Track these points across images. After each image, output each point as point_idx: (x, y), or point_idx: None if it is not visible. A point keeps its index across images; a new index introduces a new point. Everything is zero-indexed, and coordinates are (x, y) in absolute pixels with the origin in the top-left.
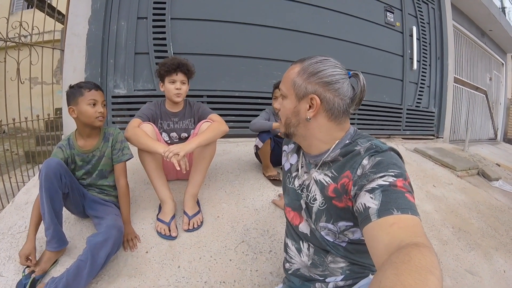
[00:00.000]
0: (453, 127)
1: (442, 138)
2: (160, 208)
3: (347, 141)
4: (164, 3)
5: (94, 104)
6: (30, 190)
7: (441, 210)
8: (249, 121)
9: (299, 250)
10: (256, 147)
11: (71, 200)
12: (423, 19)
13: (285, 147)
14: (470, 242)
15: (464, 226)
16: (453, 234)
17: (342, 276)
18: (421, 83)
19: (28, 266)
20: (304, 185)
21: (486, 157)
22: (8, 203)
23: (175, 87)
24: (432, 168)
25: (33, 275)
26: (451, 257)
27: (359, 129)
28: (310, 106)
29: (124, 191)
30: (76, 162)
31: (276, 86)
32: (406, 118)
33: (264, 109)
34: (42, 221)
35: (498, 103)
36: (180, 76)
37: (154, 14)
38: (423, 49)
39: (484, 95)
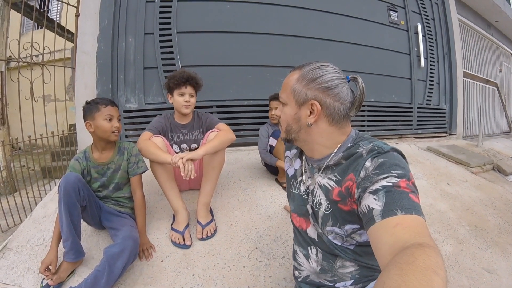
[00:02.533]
0: (465, 122)
1: (455, 134)
2: (174, 218)
3: (349, 144)
4: (170, 18)
5: (110, 119)
6: (47, 204)
7: (456, 208)
8: (259, 129)
9: (307, 257)
10: (271, 146)
11: (88, 212)
12: (427, 16)
13: (287, 153)
14: (487, 240)
15: (481, 224)
16: (469, 232)
17: (352, 281)
18: (430, 80)
19: (47, 275)
20: (309, 190)
21: (501, 151)
22: (26, 217)
23: (184, 99)
24: (446, 166)
25: (47, 282)
26: (468, 256)
27: (369, 131)
28: (310, 112)
29: (140, 202)
30: (92, 174)
31: (272, 98)
32: (417, 116)
33: (265, 123)
34: (61, 233)
35: (510, 95)
36: (189, 89)
37: (160, 29)
38: (430, 45)
39: (495, 88)
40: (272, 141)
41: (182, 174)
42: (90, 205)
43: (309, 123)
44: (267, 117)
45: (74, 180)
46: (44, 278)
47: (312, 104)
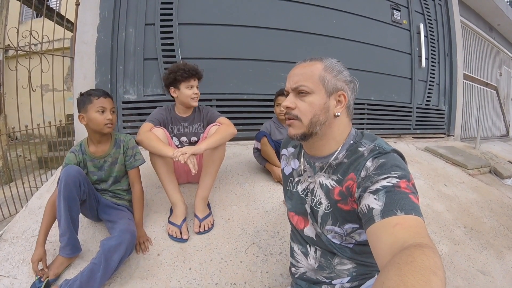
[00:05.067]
0: (464, 124)
1: (453, 136)
2: (171, 211)
3: (351, 142)
4: (171, 9)
5: (102, 111)
6: (44, 195)
7: (452, 209)
8: (258, 123)
9: (306, 254)
10: (257, 150)
11: (87, 206)
12: (430, 16)
13: (284, 151)
14: (482, 242)
15: (476, 226)
16: (465, 233)
17: (349, 278)
18: (430, 81)
19: (41, 274)
20: (308, 189)
21: (498, 155)
22: (22, 207)
23: (193, 92)
24: (443, 167)
25: (44, 277)
26: (463, 257)
27: (368, 129)
28: (336, 103)
29: (139, 195)
30: (88, 167)
31: (280, 94)
32: (416, 116)
33: (270, 118)
34: (58, 227)
35: (509, 99)
36: (196, 82)
37: (161, 20)
38: (431, 46)
39: (495, 91)
40: (257, 144)
41: (193, 171)
42: (90, 199)
43: (338, 113)
44: (266, 112)
45: (75, 174)
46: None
47: (341, 94)
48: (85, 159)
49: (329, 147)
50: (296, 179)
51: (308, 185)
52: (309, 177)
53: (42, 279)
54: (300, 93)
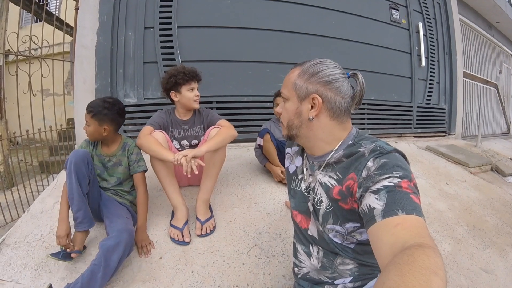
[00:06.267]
0: (464, 123)
1: (454, 134)
2: (173, 214)
3: (350, 142)
4: (170, 12)
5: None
6: (45, 200)
7: (454, 208)
8: (258, 125)
9: (309, 254)
10: (259, 147)
11: (89, 195)
12: (429, 15)
13: (288, 150)
14: (485, 240)
15: (479, 224)
16: (468, 232)
17: (351, 278)
18: (430, 80)
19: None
20: (310, 188)
21: (500, 152)
22: (24, 212)
23: (195, 94)
24: (444, 165)
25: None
26: (466, 256)
27: (369, 129)
28: (312, 106)
29: (142, 199)
30: (94, 161)
31: (277, 94)
32: (417, 116)
33: (269, 119)
34: (70, 207)
35: (509, 96)
36: (196, 84)
37: (160, 24)
38: (431, 45)
39: (495, 89)
40: (260, 141)
41: (185, 173)
42: (93, 184)
43: (311, 117)
44: (267, 114)
45: (83, 153)
46: (62, 251)
47: (314, 97)
48: (93, 152)
49: (319, 148)
50: (300, 177)
51: (310, 183)
52: (310, 175)
53: (72, 256)
54: (283, 99)
